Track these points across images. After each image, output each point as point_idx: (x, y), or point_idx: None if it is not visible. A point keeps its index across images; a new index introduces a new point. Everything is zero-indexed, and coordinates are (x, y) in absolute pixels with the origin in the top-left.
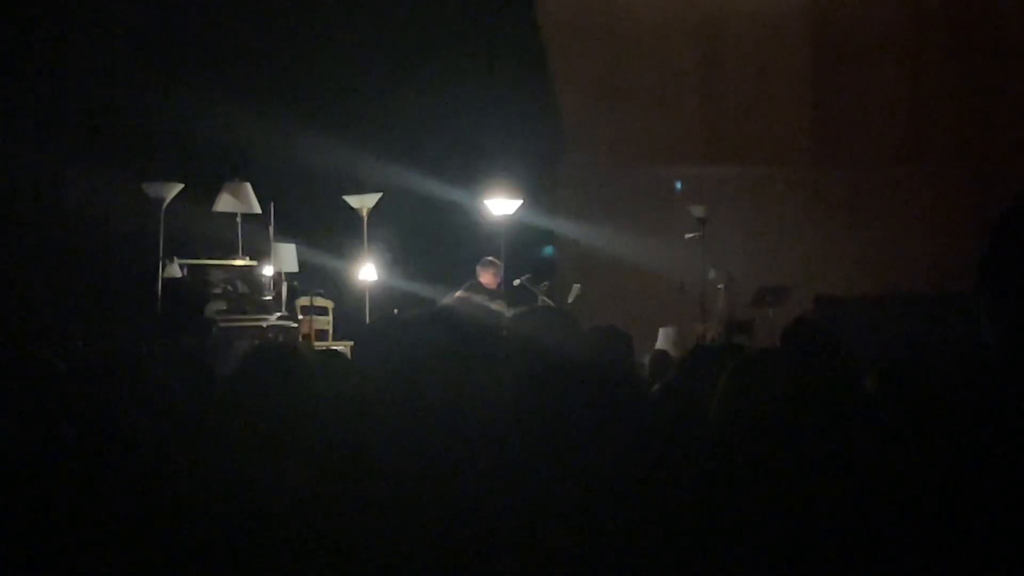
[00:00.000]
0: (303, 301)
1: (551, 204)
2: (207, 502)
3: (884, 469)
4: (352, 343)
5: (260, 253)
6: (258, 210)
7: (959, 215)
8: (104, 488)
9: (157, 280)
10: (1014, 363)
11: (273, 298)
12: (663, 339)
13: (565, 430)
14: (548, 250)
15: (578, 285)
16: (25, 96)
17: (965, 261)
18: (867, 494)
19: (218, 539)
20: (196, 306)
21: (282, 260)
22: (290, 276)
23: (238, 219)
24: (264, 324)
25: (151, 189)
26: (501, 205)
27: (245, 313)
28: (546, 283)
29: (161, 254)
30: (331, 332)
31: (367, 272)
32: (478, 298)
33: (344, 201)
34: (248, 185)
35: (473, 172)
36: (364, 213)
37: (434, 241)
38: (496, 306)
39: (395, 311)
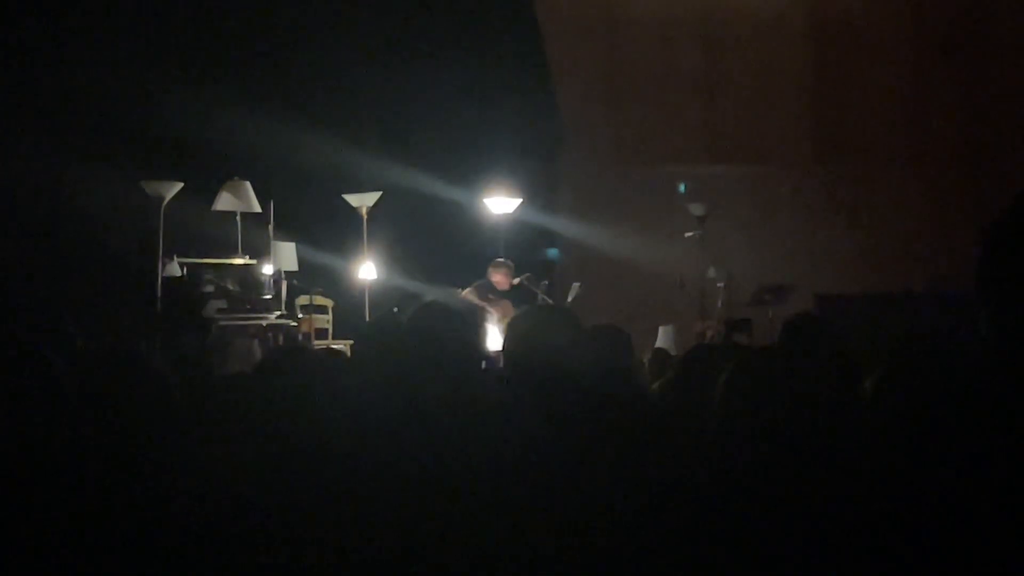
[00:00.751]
0: (303, 300)
1: (551, 203)
2: (207, 502)
3: (884, 468)
4: (352, 342)
5: (260, 252)
6: (258, 209)
7: (959, 215)
8: (104, 488)
9: (157, 279)
10: (1014, 362)
11: (273, 297)
12: (663, 337)
13: (565, 428)
14: (553, 252)
15: (578, 284)
16: (25, 95)
17: (965, 261)
18: (867, 493)
19: (219, 539)
20: (195, 305)
21: (282, 259)
22: (290, 275)
23: (238, 218)
24: (264, 323)
25: (150, 188)
26: (500, 204)
27: (245, 312)
28: (546, 282)
29: (160, 253)
30: (331, 331)
31: (367, 271)
32: (472, 296)
33: (344, 200)
34: (248, 184)
35: (473, 171)
36: (364, 212)
37: (434, 240)
38: (502, 306)
39: (395, 309)
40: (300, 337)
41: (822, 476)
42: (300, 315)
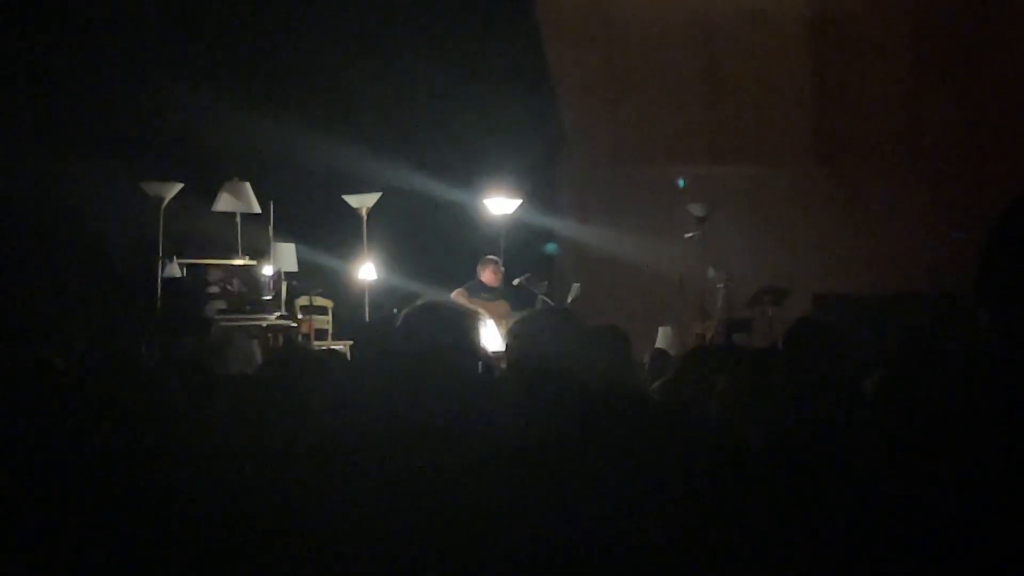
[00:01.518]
0: (302, 300)
1: (551, 204)
2: (207, 503)
3: (884, 468)
4: (352, 342)
5: (259, 252)
6: (257, 209)
7: (959, 216)
8: (103, 488)
9: (156, 280)
10: (1014, 362)
11: (272, 297)
12: (662, 338)
13: (564, 429)
14: (551, 247)
15: (578, 284)
16: (24, 95)
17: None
18: (868, 493)
19: (219, 540)
20: (195, 305)
21: (281, 259)
22: (289, 275)
23: (237, 218)
24: (263, 323)
25: (150, 188)
26: (501, 204)
27: (244, 313)
28: (546, 283)
29: (160, 253)
30: (331, 332)
31: (367, 271)
32: (462, 297)
33: (344, 201)
34: (247, 184)
35: (473, 171)
36: (363, 212)
37: (434, 240)
38: (497, 305)
39: (395, 311)
40: (300, 338)
41: (822, 476)
42: (300, 316)
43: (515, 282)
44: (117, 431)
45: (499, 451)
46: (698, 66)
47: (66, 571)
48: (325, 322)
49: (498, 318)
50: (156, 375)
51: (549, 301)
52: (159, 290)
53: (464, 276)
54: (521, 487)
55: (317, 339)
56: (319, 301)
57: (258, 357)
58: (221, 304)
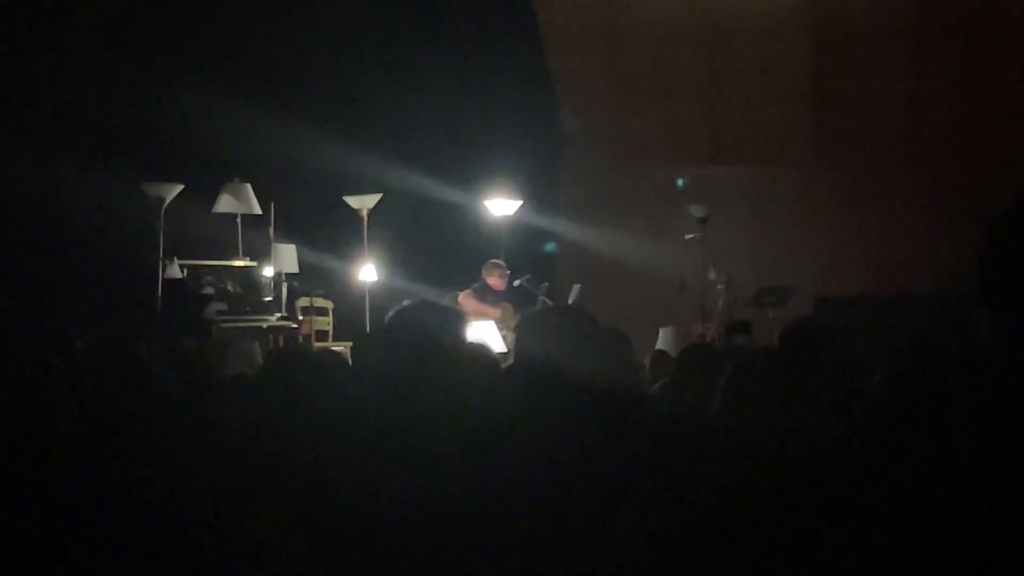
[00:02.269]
0: (303, 302)
1: (551, 204)
2: (208, 504)
3: (886, 469)
4: (352, 344)
5: (260, 254)
6: (258, 211)
7: (959, 215)
8: (104, 488)
9: (157, 281)
10: (1014, 364)
11: (273, 299)
12: (663, 339)
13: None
14: (550, 246)
15: (578, 285)
16: (24, 96)
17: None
18: (869, 494)
19: (220, 539)
20: (196, 307)
21: (282, 261)
22: (290, 277)
23: (238, 220)
24: (264, 325)
25: (151, 189)
26: (501, 205)
27: (245, 314)
28: (546, 284)
29: (161, 254)
30: (331, 333)
31: (367, 273)
32: (469, 299)
33: (344, 202)
34: (248, 186)
35: (473, 172)
36: (364, 214)
37: (434, 241)
38: (501, 307)
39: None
40: (300, 339)
41: (823, 477)
42: (300, 317)
43: (516, 283)
44: (117, 432)
45: (499, 449)
46: (699, 66)
47: (66, 571)
48: (326, 323)
49: (502, 320)
50: (156, 376)
51: (549, 302)
52: (159, 291)
53: (465, 277)
54: (520, 487)
55: (317, 340)
56: (319, 302)
57: (259, 358)
58: (221, 305)
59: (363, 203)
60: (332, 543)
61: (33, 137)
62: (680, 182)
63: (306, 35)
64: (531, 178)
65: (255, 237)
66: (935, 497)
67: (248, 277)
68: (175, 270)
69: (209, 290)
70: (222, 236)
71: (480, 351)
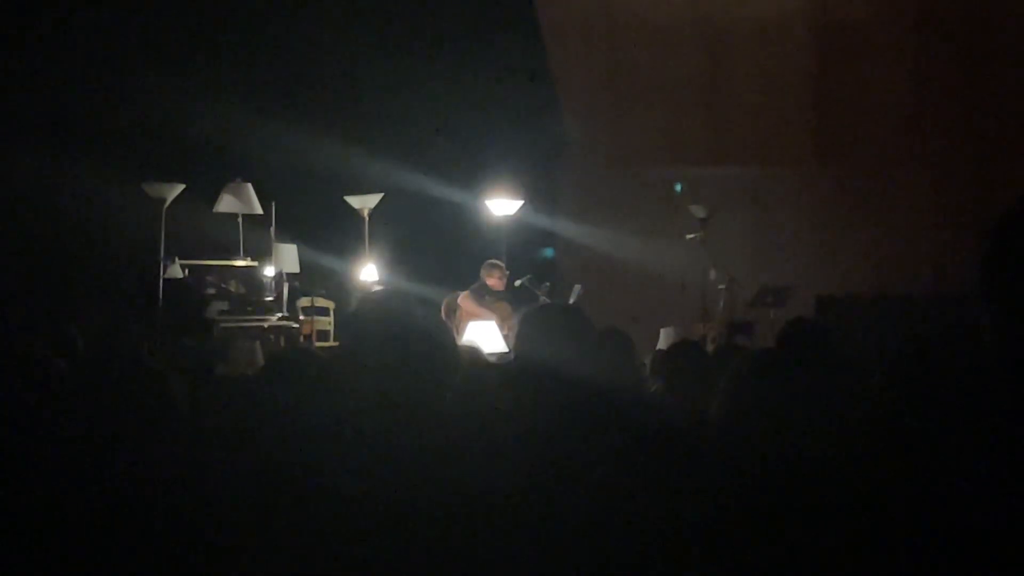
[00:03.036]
0: (304, 302)
1: (552, 204)
2: (209, 505)
3: (887, 470)
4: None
5: (261, 254)
6: (259, 211)
7: (959, 215)
8: (104, 489)
9: (158, 281)
10: (1017, 365)
11: (274, 299)
12: (664, 340)
13: (564, 430)
14: (548, 252)
15: (579, 286)
16: (25, 96)
17: (965, 261)
18: (869, 495)
19: (220, 539)
20: (197, 307)
21: (283, 261)
22: (291, 276)
23: (239, 220)
24: (265, 325)
25: (152, 189)
26: (502, 206)
27: (246, 314)
28: (547, 284)
29: (162, 254)
30: (332, 333)
31: (368, 272)
32: (469, 299)
33: (345, 202)
34: (249, 186)
35: (474, 172)
36: (365, 214)
37: (435, 241)
38: (501, 307)
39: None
40: (301, 339)
41: (823, 478)
42: (301, 317)
43: (516, 283)
44: (119, 432)
45: (499, 448)
46: (700, 67)
47: (67, 571)
48: (327, 323)
49: (502, 320)
50: (158, 376)
51: (549, 303)
52: (161, 291)
53: (465, 277)
54: (521, 488)
55: (319, 340)
56: (321, 302)
57: (260, 358)
58: (223, 305)
59: (364, 203)
60: (333, 543)
61: (34, 137)
62: (678, 187)
63: (308, 36)
64: (533, 179)
65: (256, 237)
66: (936, 498)
67: (249, 277)
68: (176, 270)
69: (210, 290)
70: (223, 236)
71: (460, 346)
